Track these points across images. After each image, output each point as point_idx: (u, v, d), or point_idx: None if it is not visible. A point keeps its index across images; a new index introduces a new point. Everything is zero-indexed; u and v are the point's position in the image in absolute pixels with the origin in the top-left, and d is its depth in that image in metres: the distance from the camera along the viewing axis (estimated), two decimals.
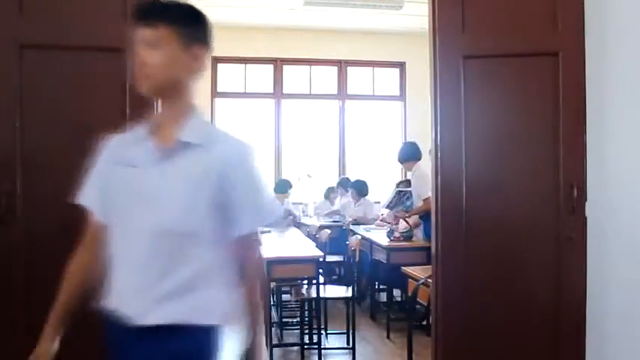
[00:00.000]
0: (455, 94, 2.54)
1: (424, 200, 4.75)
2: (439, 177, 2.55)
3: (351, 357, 4.04)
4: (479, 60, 2.55)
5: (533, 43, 2.53)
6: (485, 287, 2.54)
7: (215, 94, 7.94)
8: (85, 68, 2.40)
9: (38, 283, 2.33)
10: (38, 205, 2.33)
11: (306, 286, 4.21)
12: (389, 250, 4.69)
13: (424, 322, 4.26)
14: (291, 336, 4.56)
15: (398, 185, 5.92)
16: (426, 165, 5.22)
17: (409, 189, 5.27)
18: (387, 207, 5.40)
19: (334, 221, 6.44)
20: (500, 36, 2.55)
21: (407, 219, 4.94)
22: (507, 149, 2.58)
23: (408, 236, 4.89)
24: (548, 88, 2.51)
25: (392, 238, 4.88)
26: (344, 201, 6.89)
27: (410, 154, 5.19)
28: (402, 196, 5.24)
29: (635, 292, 2.27)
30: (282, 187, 6.57)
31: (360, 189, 6.55)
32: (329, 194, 7.15)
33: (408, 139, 7.87)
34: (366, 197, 6.58)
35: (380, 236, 5.11)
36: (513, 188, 2.57)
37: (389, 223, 5.65)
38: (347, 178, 7.06)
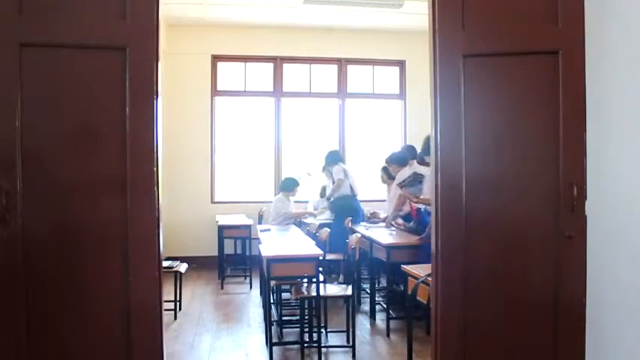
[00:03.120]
0: (455, 92, 2.54)
1: None
2: (439, 175, 2.55)
3: (350, 355, 4.04)
4: (479, 58, 2.55)
5: (533, 42, 2.53)
6: (485, 285, 2.54)
7: (215, 92, 7.94)
8: (85, 67, 2.40)
9: (38, 281, 2.34)
10: (38, 203, 2.33)
11: (306, 285, 4.22)
12: (389, 248, 4.69)
13: (424, 321, 4.28)
14: (291, 334, 4.56)
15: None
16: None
17: (425, 173, 5.33)
18: (400, 184, 5.43)
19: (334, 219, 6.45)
20: (500, 34, 2.55)
21: (413, 202, 4.99)
22: (507, 148, 2.58)
23: (411, 228, 4.91)
24: (548, 87, 2.51)
25: (394, 224, 4.90)
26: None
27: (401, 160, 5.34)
28: (416, 177, 5.26)
29: (634, 291, 2.27)
30: (290, 186, 6.58)
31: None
32: (324, 192, 7.17)
33: (408, 138, 7.92)
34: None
35: (380, 233, 5.13)
36: (513, 187, 2.57)
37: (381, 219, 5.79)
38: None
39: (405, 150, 5.89)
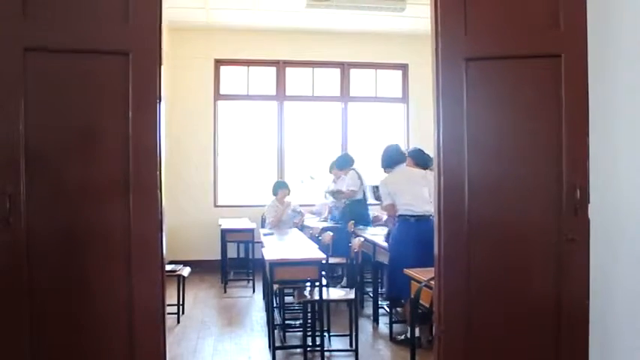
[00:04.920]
0: (457, 96, 2.54)
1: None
2: (441, 178, 2.56)
3: (354, 359, 4.03)
4: (481, 62, 2.55)
5: (535, 45, 2.53)
6: (487, 288, 2.54)
7: (218, 96, 7.95)
8: (88, 71, 2.41)
9: (42, 284, 2.35)
10: (41, 206, 2.34)
11: (308, 288, 4.21)
12: None
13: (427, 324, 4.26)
14: (294, 338, 4.56)
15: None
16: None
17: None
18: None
19: (336, 223, 6.44)
20: (503, 38, 2.55)
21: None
22: (510, 151, 2.58)
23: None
24: (550, 90, 2.51)
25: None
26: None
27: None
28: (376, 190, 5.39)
29: (638, 294, 2.27)
30: (274, 190, 6.57)
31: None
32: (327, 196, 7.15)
33: (411, 141, 7.91)
34: None
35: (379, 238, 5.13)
36: (516, 190, 2.57)
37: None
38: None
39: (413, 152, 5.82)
